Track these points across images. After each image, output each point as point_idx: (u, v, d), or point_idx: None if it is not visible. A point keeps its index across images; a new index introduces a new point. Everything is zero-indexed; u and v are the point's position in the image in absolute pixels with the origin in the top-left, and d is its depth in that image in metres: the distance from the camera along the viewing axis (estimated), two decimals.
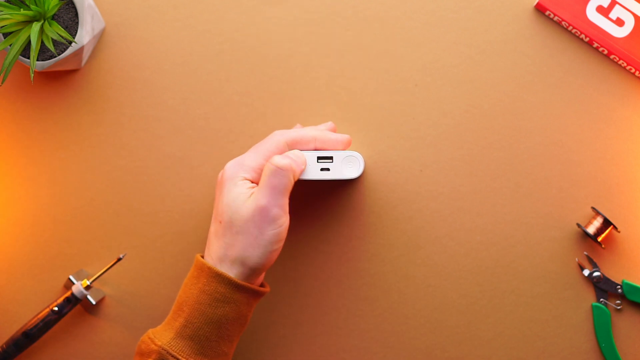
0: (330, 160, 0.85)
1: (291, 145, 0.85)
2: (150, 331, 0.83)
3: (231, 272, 0.82)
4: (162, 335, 0.82)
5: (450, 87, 0.95)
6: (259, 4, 0.95)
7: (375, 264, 0.94)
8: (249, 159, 0.83)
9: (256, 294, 0.83)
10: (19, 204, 0.95)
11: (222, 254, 0.82)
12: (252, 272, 0.82)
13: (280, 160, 0.81)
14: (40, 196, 0.95)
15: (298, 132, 0.85)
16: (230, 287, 0.81)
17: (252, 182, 0.83)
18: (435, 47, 0.95)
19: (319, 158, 0.85)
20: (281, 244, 0.82)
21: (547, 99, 0.95)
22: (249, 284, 0.82)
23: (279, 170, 0.81)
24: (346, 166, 0.85)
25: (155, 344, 0.81)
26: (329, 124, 0.90)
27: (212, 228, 0.84)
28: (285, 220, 0.82)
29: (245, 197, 0.82)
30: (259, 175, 0.83)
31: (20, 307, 0.94)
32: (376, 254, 0.94)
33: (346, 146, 0.87)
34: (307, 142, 0.85)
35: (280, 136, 0.85)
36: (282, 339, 0.94)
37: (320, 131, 0.86)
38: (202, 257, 0.85)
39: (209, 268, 0.82)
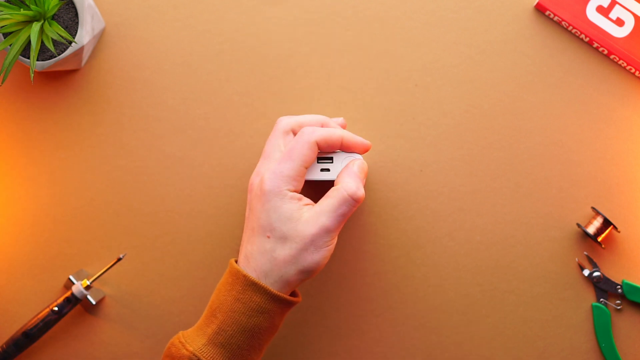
0: (331, 161, 0.85)
1: (320, 145, 0.83)
2: (181, 334, 0.82)
3: (274, 285, 0.81)
4: (193, 341, 0.81)
5: (450, 87, 0.95)
6: (259, 4, 0.95)
7: (375, 264, 0.94)
8: (287, 168, 0.81)
9: (290, 304, 0.83)
10: (19, 204, 0.95)
11: (268, 269, 0.81)
12: (292, 286, 0.82)
13: (358, 192, 0.82)
14: (40, 196, 0.95)
15: (327, 131, 0.84)
16: (266, 296, 0.81)
17: (296, 193, 0.82)
18: (435, 47, 0.95)
19: (319, 158, 0.85)
20: (325, 262, 0.83)
21: (547, 99, 0.95)
22: (283, 295, 0.81)
23: (354, 202, 0.82)
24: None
25: (187, 349, 0.80)
26: (341, 119, 0.90)
27: (256, 242, 0.82)
28: (335, 242, 0.83)
29: (300, 214, 0.81)
30: (300, 183, 0.82)
31: (20, 307, 0.94)
32: (376, 254, 0.94)
33: (366, 151, 0.86)
34: (335, 142, 0.84)
35: (310, 136, 0.83)
36: (282, 339, 0.94)
37: (346, 132, 0.85)
38: (236, 261, 0.85)
39: (245, 276, 0.81)
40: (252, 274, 0.81)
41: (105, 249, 0.95)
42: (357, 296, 0.94)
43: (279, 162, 0.82)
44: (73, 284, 0.92)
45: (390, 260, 0.94)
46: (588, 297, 0.94)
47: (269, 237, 0.81)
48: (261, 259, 0.81)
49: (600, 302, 0.93)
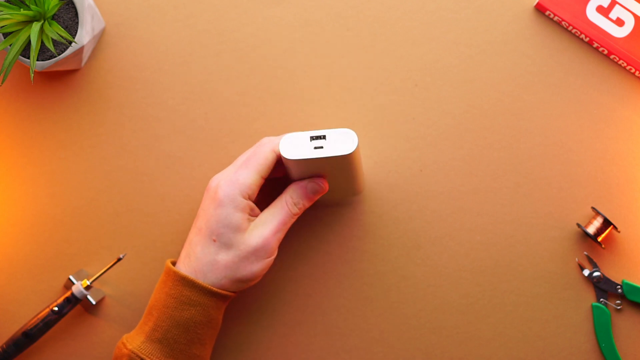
0: (324, 139, 0.83)
1: (279, 154, 0.85)
2: (124, 336, 0.85)
3: (216, 285, 0.84)
4: (133, 340, 0.84)
5: (450, 87, 0.95)
6: (259, 4, 0.95)
7: (375, 264, 0.94)
8: (243, 176, 0.84)
9: (224, 298, 0.85)
10: (19, 204, 0.95)
11: (207, 270, 0.84)
12: (228, 290, 0.85)
13: (296, 207, 0.85)
14: (40, 196, 0.95)
15: None
16: (195, 290, 0.83)
17: (250, 201, 0.84)
18: (435, 47, 0.95)
19: (312, 137, 0.83)
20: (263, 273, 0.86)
21: (547, 99, 0.95)
22: (213, 287, 0.83)
23: (292, 215, 0.86)
24: (340, 143, 0.82)
25: (127, 348, 0.83)
26: None
27: (201, 242, 0.84)
28: (275, 254, 0.86)
29: (248, 224, 0.84)
30: (254, 192, 0.84)
31: (20, 307, 0.94)
32: (376, 254, 0.94)
33: None
34: None
35: (267, 146, 0.85)
36: (283, 339, 0.94)
37: None
38: (173, 263, 0.87)
39: (175, 272, 0.84)
40: (191, 273, 0.84)
41: (105, 249, 0.95)
42: (357, 296, 0.94)
43: (236, 170, 0.84)
44: (73, 284, 0.92)
45: (390, 260, 0.94)
46: (588, 297, 0.94)
47: (214, 240, 0.84)
48: (203, 259, 0.84)
49: (600, 302, 0.93)
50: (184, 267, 0.85)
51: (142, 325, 0.85)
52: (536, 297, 0.94)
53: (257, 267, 0.84)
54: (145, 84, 0.95)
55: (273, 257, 0.85)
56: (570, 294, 0.94)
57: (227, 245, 0.83)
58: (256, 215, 0.85)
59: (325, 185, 0.87)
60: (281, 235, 0.85)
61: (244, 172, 0.84)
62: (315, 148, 0.82)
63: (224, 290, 0.84)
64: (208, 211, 0.84)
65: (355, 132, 0.94)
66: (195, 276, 0.84)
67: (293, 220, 0.86)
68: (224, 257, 0.83)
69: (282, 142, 0.82)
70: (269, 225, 0.84)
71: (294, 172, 0.86)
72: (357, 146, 0.82)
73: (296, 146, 0.82)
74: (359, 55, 0.95)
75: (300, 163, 0.83)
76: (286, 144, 0.82)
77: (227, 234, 0.83)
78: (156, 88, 0.95)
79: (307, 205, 0.87)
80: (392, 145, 0.95)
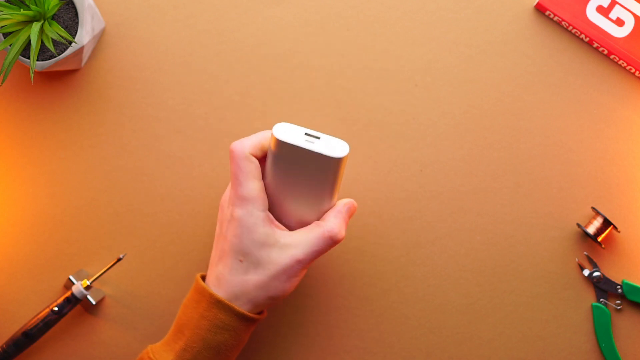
0: (317, 139, 0.81)
1: (255, 153, 0.83)
2: (149, 348, 0.84)
3: (244, 307, 0.83)
4: (161, 357, 0.83)
5: (450, 87, 0.95)
6: (259, 4, 0.95)
7: (375, 264, 0.94)
8: (248, 189, 0.82)
9: (254, 321, 0.84)
10: (19, 204, 0.95)
11: (239, 292, 0.82)
12: (260, 308, 0.84)
13: (339, 234, 0.83)
14: (40, 196, 0.95)
15: (256, 137, 0.83)
16: (231, 315, 0.82)
17: (267, 212, 0.83)
18: (435, 47, 0.95)
19: (306, 134, 0.81)
20: (293, 289, 0.85)
21: (547, 99, 0.95)
22: (248, 313, 0.83)
23: (332, 244, 0.83)
24: (331, 148, 0.80)
25: None
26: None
27: (228, 264, 0.83)
28: (305, 272, 0.85)
29: (274, 239, 0.82)
30: (265, 198, 0.83)
31: (20, 307, 0.94)
32: (376, 254, 0.94)
33: None
34: (268, 142, 0.84)
35: (241, 152, 0.82)
36: (282, 338, 0.94)
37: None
38: (202, 277, 0.86)
39: (210, 294, 0.82)
40: (223, 295, 0.83)
41: (105, 249, 0.95)
42: (357, 296, 0.94)
43: (236, 187, 0.82)
44: (73, 284, 0.92)
45: (390, 260, 0.94)
46: (588, 297, 0.94)
47: (241, 261, 0.82)
48: (232, 281, 0.82)
49: (600, 302, 0.93)
50: (216, 289, 0.83)
51: (171, 342, 0.84)
52: (536, 297, 0.94)
53: (288, 285, 0.83)
54: (145, 84, 0.95)
55: (303, 274, 0.84)
56: (570, 294, 0.94)
57: (255, 264, 0.82)
58: (277, 227, 0.84)
59: (355, 204, 0.86)
60: (311, 258, 0.83)
61: (247, 186, 0.82)
62: (307, 141, 0.80)
63: (256, 314, 0.84)
64: (229, 232, 0.83)
65: (355, 133, 0.95)
66: (228, 299, 0.82)
67: (329, 245, 0.83)
68: (254, 276, 0.82)
69: (277, 126, 0.80)
70: (303, 250, 0.82)
71: (271, 170, 0.83)
72: (346, 156, 0.80)
73: (289, 134, 0.80)
74: (359, 55, 0.95)
75: (287, 154, 0.81)
76: (280, 129, 0.80)
77: (253, 252, 0.82)
78: (156, 88, 0.95)
79: (345, 228, 0.85)
80: (392, 145, 0.95)
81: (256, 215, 0.82)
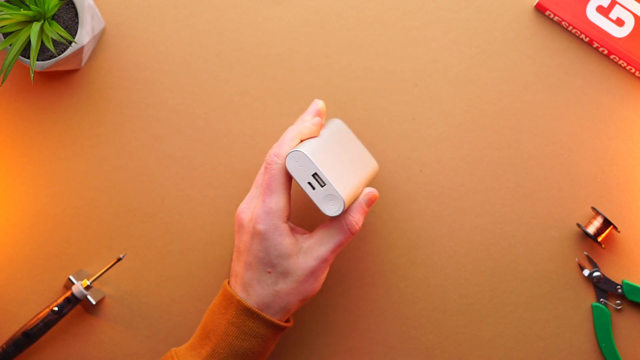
0: (322, 186, 0.82)
1: None
2: (174, 352, 0.84)
3: (276, 316, 0.84)
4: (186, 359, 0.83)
5: (450, 87, 0.95)
6: (259, 4, 0.95)
7: (375, 264, 0.94)
8: (274, 202, 0.82)
9: (282, 329, 0.85)
10: (19, 204, 0.95)
11: (270, 301, 0.83)
12: (292, 312, 0.85)
13: (357, 225, 0.84)
14: (40, 196, 0.95)
15: (289, 147, 0.84)
16: (259, 322, 0.83)
17: (289, 222, 0.84)
18: (435, 47, 0.95)
19: (315, 175, 0.82)
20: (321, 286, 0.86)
21: (547, 99, 0.95)
22: (276, 320, 0.83)
23: (351, 235, 0.84)
24: (328, 200, 0.82)
25: None
26: (316, 119, 0.87)
27: (256, 277, 0.83)
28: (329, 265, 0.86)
29: (298, 247, 0.83)
30: (289, 210, 0.83)
31: (20, 307, 0.94)
32: (376, 254, 0.94)
33: (320, 118, 0.86)
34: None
35: (277, 164, 0.83)
36: (283, 338, 0.94)
37: (298, 128, 0.85)
38: (229, 283, 0.86)
39: (239, 301, 0.83)
40: (253, 304, 0.83)
41: (105, 249, 0.95)
42: (357, 296, 0.94)
43: (262, 199, 0.83)
44: (73, 284, 0.92)
45: (390, 260, 0.94)
46: (588, 297, 0.94)
47: (269, 272, 0.83)
48: (262, 292, 0.83)
49: (600, 302, 0.93)
50: (247, 300, 0.84)
51: (197, 347, 0.84)
52: (536, 297, 0.94)
53: (317, 284, 0.84)
54: (145, 84, 0.95)
55: (328, 269, 0.85)
56: (570, 294, 0.94)
57: (283, 274, 0.83)
58: (297, 232, 0.85)
59: (376, 193, 0.86)
60: (334, 252, 0.84)
61: (273, 198, 0.83)
62: (309, 183, 0.82)
63: (285, 321, 0.85)
64: (253, 246, 0.83)
65: (355, 133, 0.95)
66: (259, 308, 0.83)
67: (348, 236, 0.84)
68: (284, 285, 0.83)
69: (292, 154, 0.81)
70: (325, 246, 0.84)
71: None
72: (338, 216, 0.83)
73: (300, 165, 0.82)
74: (359, 55, 0.95)
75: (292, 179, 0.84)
76: (293, 158, 0.82)
77: (280, 263, 0.82)
78: (156, 88, 0.95)
79: (363, 219, 0.86)
80: (392, 145, 0.95)
81: (281, 228, 0.82)
